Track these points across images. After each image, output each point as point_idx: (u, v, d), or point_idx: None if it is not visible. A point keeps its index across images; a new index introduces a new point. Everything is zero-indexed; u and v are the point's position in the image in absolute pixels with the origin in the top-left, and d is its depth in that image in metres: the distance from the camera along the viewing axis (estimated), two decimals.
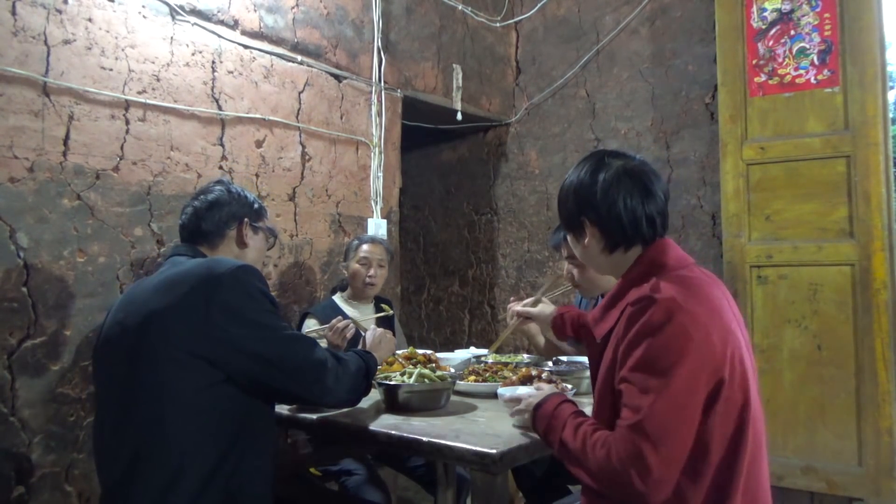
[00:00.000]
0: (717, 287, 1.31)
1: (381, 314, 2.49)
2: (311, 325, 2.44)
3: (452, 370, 1.99)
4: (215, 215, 1.65)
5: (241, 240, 1.68)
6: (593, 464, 1.19)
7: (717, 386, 1.17)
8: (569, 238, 1.46)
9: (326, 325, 2.17)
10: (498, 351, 2.61)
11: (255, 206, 1.74)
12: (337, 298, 2.61)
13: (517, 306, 2.08)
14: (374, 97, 3.16)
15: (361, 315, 2.62)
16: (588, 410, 1.35)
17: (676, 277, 1.26)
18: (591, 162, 1.39)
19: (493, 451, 1.35)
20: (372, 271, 2.56)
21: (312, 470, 2.44)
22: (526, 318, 2.07)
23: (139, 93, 2.27)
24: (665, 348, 1.16)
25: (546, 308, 2.07)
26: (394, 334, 2.69)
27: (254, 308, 1.42)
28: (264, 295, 1.45)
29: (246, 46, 2.62)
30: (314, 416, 1.73)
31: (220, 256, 1.61)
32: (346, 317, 2.50)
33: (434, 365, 1.94)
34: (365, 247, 2.59)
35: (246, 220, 1.68)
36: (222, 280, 1.40)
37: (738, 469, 1.18)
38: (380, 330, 1.89)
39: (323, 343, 2.34)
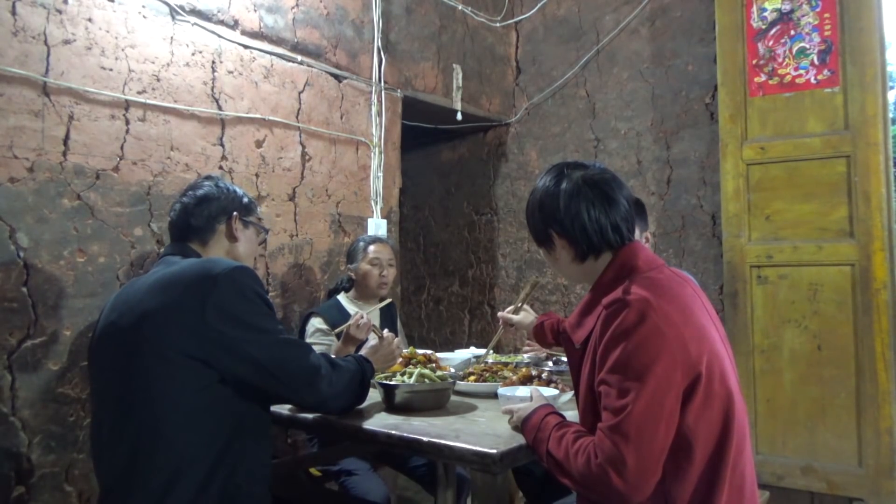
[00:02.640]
0: (689, 285, 1.35)
1: (384, 303, 2.51)
2: (316, 324, 2.45)
3: (452, 370, 2.00)
4: (204, 210, 1.62)
5: (232, 234, 1.65)
6: (575, 471, 1.23)
7: (694, 381, 1.20)
8: (541, 252, 1.49)
9: (350, 322, 2.21)
10: (498, 351, 2.62)
11: (245, 200, 1.71)
12: (341, 299, 2.61)
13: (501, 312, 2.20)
14: (374, 97, 3.16)
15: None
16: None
17: (647, 279, 1.29)
18: (551, 175, 1.42)
19: (494, 451, 1.35)
20: (384, 271, 2.59)
21: (312, 470, 2.44)
22: (509, 325, 2.17)
23: (139, 93, 2.27)
24: (640, 349, 1.19)
25: (527, 316, 2.18)
26: (396, 334, 2.70)
27: (249, 310, 1.41)
28: (260, 297, 1.45)
29: (246, 46, 2.62)
30: (313, 417, 1.73)
31: (214, 256, 1.60)
32: (349, 317, 2.51)
33: (434, 365, 1.94)
34: (373, 247, 2.60)
35: (235, 214, 1.66)
36: (218, 281, 1.39)
37: (726, 462, 1.21)
38: (387, 338, 1.86)
39: (328, 345, 2.35)
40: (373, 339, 1.86)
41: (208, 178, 1.72)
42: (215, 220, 1.64)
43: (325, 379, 1.50)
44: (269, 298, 1.49)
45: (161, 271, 1.48)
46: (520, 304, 2.20)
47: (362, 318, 2.17)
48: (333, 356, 1.74)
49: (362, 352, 1.79)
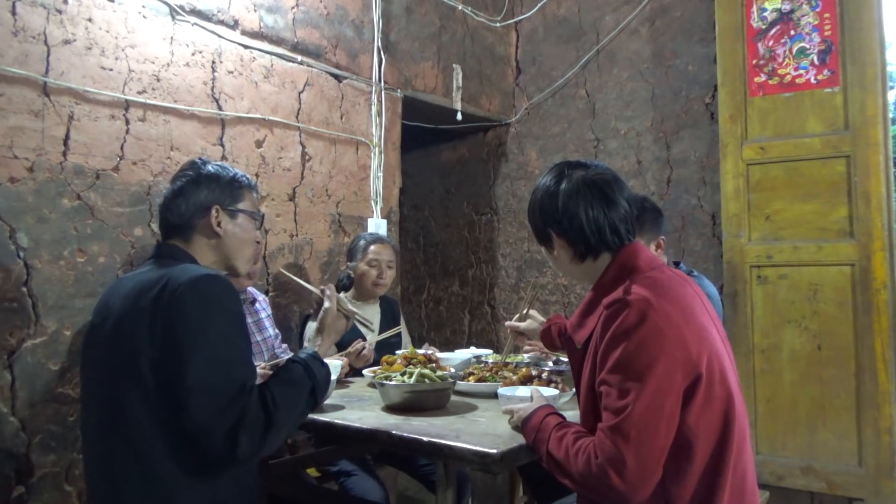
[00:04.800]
0: (689, 286, 1.35)
1: (393, 331, 2.49)
2: (313, 328, 2.44)
3: (452, 370, 2.00)
4: (181, 206, 1.47)
5: (212, 230, 1.48)
6: (575, 472, 1.23)
7: (695, 382, 1.20)
8: (542, 251, 1.50)
9: (349, 349, 2.22)
10: (499, 351, 2.62)
11: (230, 186, 1.52)
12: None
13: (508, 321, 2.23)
14: (374, 97, 3.16)
15: (364, 314, 2.62)
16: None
17: (648, 279, 1.29)
18: (552, 175, 1.43)
19: (494, 450, 1.36)
20: (382, 273, 2.56)
21: (312, 470, 2.44)
22: (517, 333, 2.20)
23: (139, 93, 2.27)
24: (640, 349, 1.19)
25: (534, 322, 2.19)
26: (401, 335, 2.68)
27: (201, 322, 1.29)
28: (221, 308, 1.32)
29: (246, 46, 2.62)
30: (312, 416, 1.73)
31: (199, 254, 1.50)
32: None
33: (434, 365, 1.95)
34: (373, 248, 2.57)
35: (216, 207, 1.49)
36: (177, 292, 1.29)
37: (726, 462, 1.21)
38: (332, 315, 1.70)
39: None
40: (327, 302, 1.71)
41: (191, 165, 1.54)
42: (193, 216, 1.48)
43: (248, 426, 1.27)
44: (234, 307, 1.37)
45: (137, 277, 1.40)
46: (525, 311, 2.22)
47: (364, 348, 2.19)
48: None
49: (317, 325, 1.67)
